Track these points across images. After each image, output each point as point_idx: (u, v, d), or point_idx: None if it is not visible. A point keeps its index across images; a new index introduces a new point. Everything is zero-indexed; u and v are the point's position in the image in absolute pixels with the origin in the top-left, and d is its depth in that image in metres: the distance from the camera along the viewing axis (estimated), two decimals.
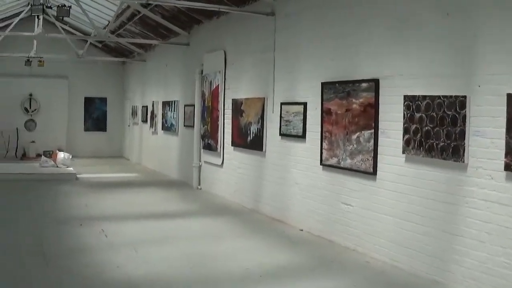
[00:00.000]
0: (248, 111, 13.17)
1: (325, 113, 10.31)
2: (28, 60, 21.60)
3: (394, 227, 8.57)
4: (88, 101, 27.16)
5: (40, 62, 21.71)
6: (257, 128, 12.69)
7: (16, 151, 24.87)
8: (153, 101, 21.73)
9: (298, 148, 11.28)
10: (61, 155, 19.77)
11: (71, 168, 19.32)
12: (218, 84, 14.78)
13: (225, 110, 14.63)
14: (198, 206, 13.67)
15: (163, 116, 20.27)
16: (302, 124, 11.06)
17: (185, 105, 17.85)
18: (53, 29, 20.46)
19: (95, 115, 27.34)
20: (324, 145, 10.34)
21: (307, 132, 10.99)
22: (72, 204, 13.49)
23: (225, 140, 14.64)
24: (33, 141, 25.00)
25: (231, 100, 14.17)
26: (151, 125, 21.98)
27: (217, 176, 15.24)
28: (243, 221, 11.97)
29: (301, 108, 11.11)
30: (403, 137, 8.41)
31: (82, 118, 27.09)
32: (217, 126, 14.85)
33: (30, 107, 25.61)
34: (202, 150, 16.16)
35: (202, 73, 16.12)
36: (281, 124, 11.75)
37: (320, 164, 10.48)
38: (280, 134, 11.82)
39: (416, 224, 8.14)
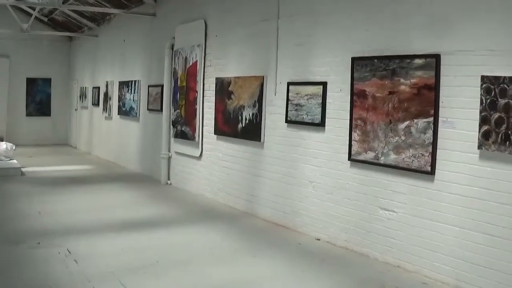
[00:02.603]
0: (239, 93, 10.62)
1: (357, 96, 7.96)
2: None
3: (460, 239, 6.61)
4: (31, 83, 24.07)
5: None
6: (253, 114, 10.18)
7: None
8: (107, 82, 18.88)
9: (313, 139, 8.86)
10: (2, 145, 16.66)
11: (15, 161, 16.33)
12: (196, 61, 12.16)
13: (205, 92, 12.04)
14: (177, 209, 11.02)
15: (120, 98, 17.46)
16: (320, 109, 8.61)
17: (149, 86, 15.14)
18: None
19: (38, 98, 24.27)
20: (355, 135, 7.97)
21: (327, 119, 8.58)
22: (21, 212, 10.49)
23: (204, 127, 12.06)
24: None
25: (214, 80, 11.58)
26: (105, 109, 19.13)
27: (193, 170, 12.64)
28: (241, 229, 9.49)
29: (318, 89, 8.67)
30: (480, 129, 6.27)
31: (24, 101, 24.04)
32: (194, 111, 12.23)
33: None
34: (173, 138, 13.50)
35: (173, 48, 13.46)
36: (288, 109, 9.27)
37: (349, 159, 8.14)
38: (287, 121, 9.35)
39: (490, 236, 6.26)
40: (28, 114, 24.09)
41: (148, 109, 15.17)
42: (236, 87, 10.65)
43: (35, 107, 24.19)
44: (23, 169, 15.55)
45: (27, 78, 23.80)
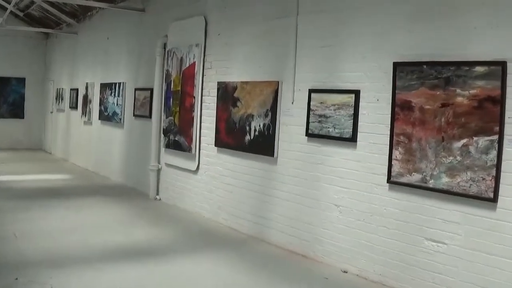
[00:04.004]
0: (246, 100, 9.32)
1: (400, 108, 6.75)
2: None
3: None
4: (3, 82, 22.53)
5: None
6: (264, 124, 8.89)
7: None
8: (86, 83, 17.44)
9: (341, 156, 7.60)
10: None
11: None
12: (194, 62, 10.83)
13: (203, 97, 10.72)
14: (173, 230, 9.66)
15: (102, 102, 16.03)
16: (351, 121, 7.36)
17: (135, 89, 13.76)
18: None
19: (11, 99, 22.75)
20: (397, 154, 6.75)
21: (359, 134, 7.34)
22: None
23: (203, 137, 10.74)
24: None
25: (215, 84, 10.26)
26: (84, 113, 17.67)
27: (188, 185, 11.30)
28: (253, 258, 8.18)
29: (349, 98, 7.42)
30: None
31: None
32: (190, 119, 10.90)
33: None
34: (163, 148, 12.14)
35: (165, 48, 12.12)
36: (310, 120, 7.99)
37: (388, 182, 6.89)
38: (308, 134, 8.07)
39: None
40: (0, 116, 22.52)
41: (134, 115, 13.80)
42: (244, 93, 9.36)
43: (7, 109, 22.71)
44: None
45: None
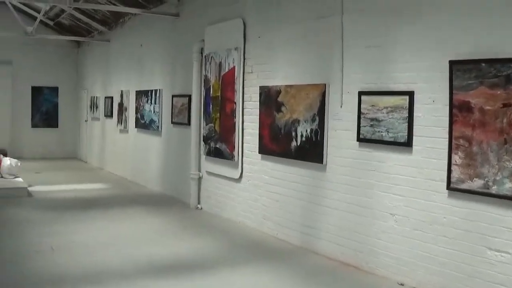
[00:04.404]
0: (291, 105, 9.11)
1: (458, 109, 6.47)
2: None
3: None
4: (36, 91, 22.69)
5: None
6: (311, 130, 8.67)
7: None
8: (121, 91, 17.40)
9: (396, 162, 7.35)
10: (6, 161, 15.19)
11: (20, 179, 14.84)
12: (234, 66, 10.65)
13: (245, 103, 10.54)
14: (217, 242, 9.48)
15: (138, 110, 15.97)
16: (406, 125, 7.10)
17: (172, 96, 13.64)
18: None
19: (45, 108, 22.90)
20: (456, 158, 6.48)
21: (415, 138, 7.07)
22: (31, 246, 8.89)
23: (245, 144, 10.55)
24: None
25: (257, 89, 10.07)
26: (119, 121, 17.63)
27: (230, 194, 11.12)
28: (304, 271, 7.95)
29: (402, 100, 7.17)
30: None
31: (29, 111, 22.70)
32: (232, 125, 10.73)
33: None
34: (204, 156, 11.97)
35: (202, 52, 11.96)
36: (361, 125, 7.75)
37: (447, 188, 6.60)
38: (359, 140, 7.82)
39: None
40: (34, 125, 22.84)
41: (172, 122, 13.66)
42: (288, 98, 9.15)
43: (40, 118, 22.89)
44: (29, 189, 14.08)
45: (32, 87, 22.45)
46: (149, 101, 15.01)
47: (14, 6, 17.49)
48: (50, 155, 22.40)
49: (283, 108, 9.27)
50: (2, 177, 14.87)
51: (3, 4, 16.91)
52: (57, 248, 8.80)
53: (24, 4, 18.91)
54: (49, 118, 23.00)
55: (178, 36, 13.52)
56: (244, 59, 10.53)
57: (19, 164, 15.35)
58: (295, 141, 8.99)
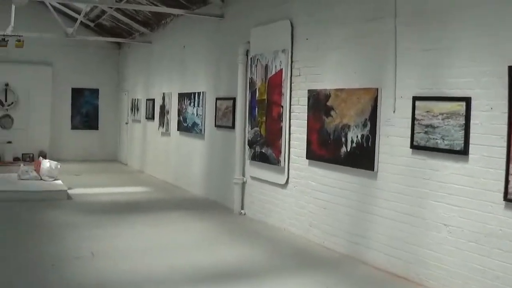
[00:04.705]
0: (341, 109, 8.95)
1: None
2: (4, 39, 17.16)
3: None
4: (76, 93, 22.85)
5: (18, 42, 17.30)
6: (362, 135, 8.50)
7: None
8: (163, 93, 17.41)
9: (451, 170, 7.13)
10: (46, 163, 15.28)
11: (60, 181, 14.90)
12: (281, 69, 10.54)
13: (292, 106, 10.41)
14: (263, 249, 9.33)
15: (180, 112, 15.94)
16: (462, 132, 6.91)
17: (216, 98, 13.58)
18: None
19: (85, 110, 23.06)
20: None
21: (471, 146, 6.86)
22: (70, 251, 8.84)
23: (292, 149, 10.42)
24: (9, 142, 21.01)
25: (305, 92, 9.94)
26: (161, 124, 17.63)
27: (275, 200, 11.00)
28: (353, 281, 7.81)
29: (459, 106, 6.97)
30: None
31: (69, 113, 22.84)
32: (278, 129, 10.61)
33: (5, 100, 21.37)
34: (248, 161, 11.88)
35: (247, 55, 11.87)
36: (415, 131, 7.56)
37: (504, 199, 6.39)
38: (413, 147, 7.64)
39: None
40: (74, 127, 22.98)
41: (215, 125, 13.60)
42: (338, 102, 9.00)
43: (81, 120, 23.04)
44: (69, 192, 14.09)
45: (72, 88, 22.58)
46: (192, 104, 14.97)
47: (54, 8, 17.65)
48: (90, 157, 22.54)
49: (332, 113, 9.13)
50: (41, 179, 14.96)
51: (43, 5, 17.06)
52: (97, 253, 8.73)
53: (64, 5, 19.09)
54: (90, 120, 23.15)
55: (222, 37, 13.45)
56: (291, 61, 10.41)
57: (58, 166, 15.44)
58: (345, 147, 8.84)
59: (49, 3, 16.36)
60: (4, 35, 16.91)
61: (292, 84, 10.38)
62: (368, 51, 8.58)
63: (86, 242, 9.42)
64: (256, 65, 11.39)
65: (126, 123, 21.97)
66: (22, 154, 21.18)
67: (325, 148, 9.31)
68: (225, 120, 13.01)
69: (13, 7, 15.32)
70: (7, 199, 12.92)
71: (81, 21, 18.27)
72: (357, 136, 8.58)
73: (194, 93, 14.82)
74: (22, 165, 16.22)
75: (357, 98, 8.60)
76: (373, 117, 8.29)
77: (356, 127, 8.61)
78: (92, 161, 22.01)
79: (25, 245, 9.20)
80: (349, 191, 8.92)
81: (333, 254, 9.07)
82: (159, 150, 17.94)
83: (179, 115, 16.00)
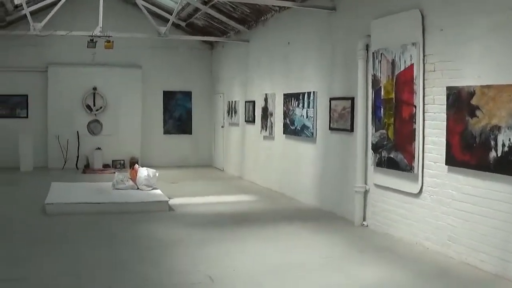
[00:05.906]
0: (489, 108, 8.32)
1: None
2: (92, 40, 17.21)
3: None
4: (168, 96, 23.02)
5: (108, 43, 17.42)
6: None
7: (77, 161, 21.55)
8: (265, 94, 17.07)
9: None
10: (143, 172, 15.08)
11: (159, 191, 14.66)
12: (412, 64, 9.97)
13: (426, 106, 9.82)
14: (404, 270, 8.61)
15: (286, 114, 15.53)
16: None
17: (330, 99, 13.09)
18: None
19: (177, 114, 23.18)
20: None
21: None
22: (184, 275, 8.26)
23: (427, 154, 9.83)
24: (98, 148, 21.54)
25: (443, 90, 9.34)
26: (263, 127, 17.29)
27: (405, 211, 10.42)
28: None
29: None
30: None
31: (160, 117, 23.10)
32: (410, 132, 10.03)
33: (94, 105, 21.67)
34: (372, 167, 11.32)
35: (368, 49, 11.34)
36: None
37: None
38: None
39: None
40: (166, 132, 23.19)
41: (330, 128, 13.11)
42: (485, 100, 8.37)
43: (173, 124, 23.20)
44: (170, 202, 13.77)
45: (163, 91, 22.62)
46: (300, 105, 14.54)
47: (146, 8, 17.61)
48: (184, 163, 22.65)
49: (478, 113, 8.51)
50: (138, 188, 14.75)
51: (131, 5, 17.03)
52: (216, 278, 8.09)
53: (153, 4, 19.04)
54: (182, 124, 23.22)
55: (334, 31, 13.01)
56: (424, 55, 9.84)
57: (156, 174, 15.29)
58: (494, 152, 8.20)
59: (142, 5, 16.34)
60: (92, 36, 16.89)
61: (426, 80, 9.81)
62: None
63: (200, 263, 8.86)
64: (380, 61, 10.86)
65: (222, 127, 21.82)
66: (112, 160, 21.36)
67: (470, 152, 8.68)
68: (341, 122, 12.52)
69: (101, 7, 15.32)
70: (101, 211, 12.78)
71: (173, 22, 18.15)
72: (509, 139, 7.93)
73: (303, 93, 14.39)
74: (116, 173, 16.07)
75: (509, 95, 7.95)
76: None
77: (508, 128, 7.96)
78: (186, 167, 22.12)
79: (125, 267, 8.66)
80: (498, 201, 8.27)
81: (479, 272, 8.45)
82: (261, 155, 17.63)
83: (285, 118, 15.62)
